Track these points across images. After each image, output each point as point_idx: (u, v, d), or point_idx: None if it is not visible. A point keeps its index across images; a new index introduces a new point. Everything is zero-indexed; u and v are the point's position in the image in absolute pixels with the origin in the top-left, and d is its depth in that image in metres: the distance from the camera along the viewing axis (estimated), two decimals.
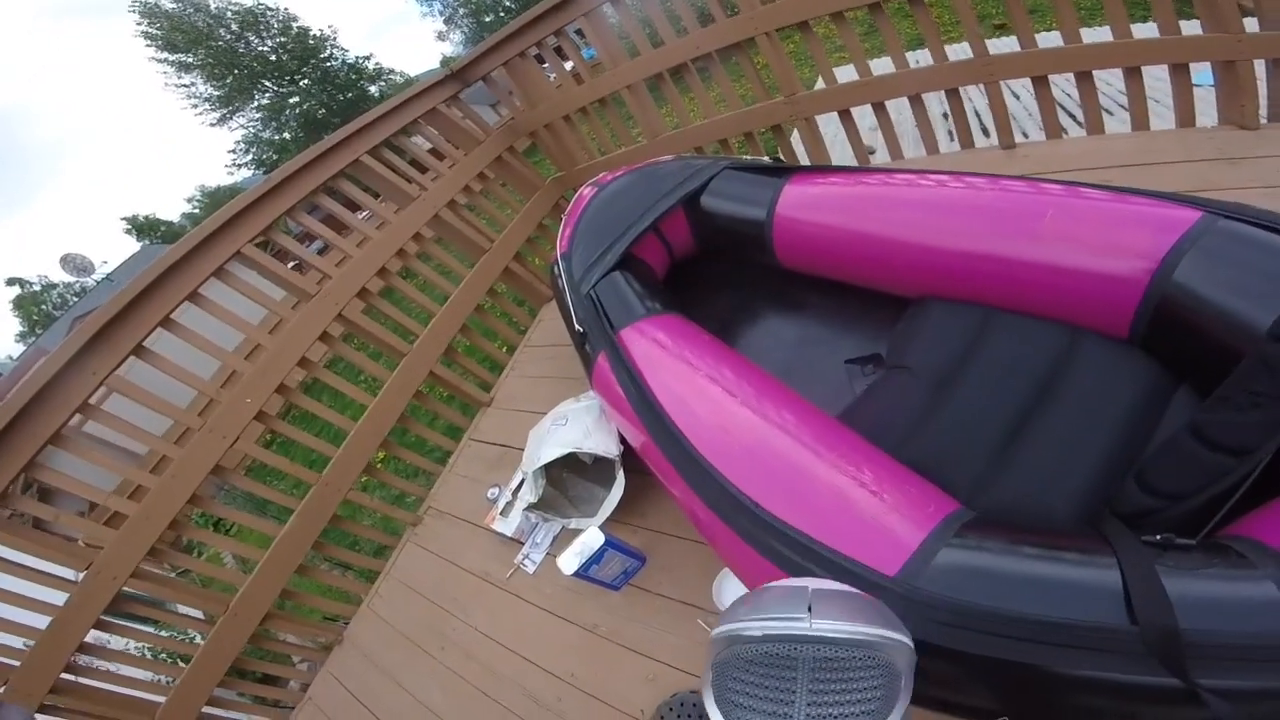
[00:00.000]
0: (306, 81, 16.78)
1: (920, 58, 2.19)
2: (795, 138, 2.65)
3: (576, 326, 1.49)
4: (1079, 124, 1.99)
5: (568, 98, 2.66)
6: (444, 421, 2.43)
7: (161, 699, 1.60)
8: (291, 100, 16.76)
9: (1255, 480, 0.82)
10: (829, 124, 2.30)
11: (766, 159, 1.79)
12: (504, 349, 2.67)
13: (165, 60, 15.91)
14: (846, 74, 2.21)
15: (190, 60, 16.06)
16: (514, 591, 1.72)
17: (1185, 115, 1.79)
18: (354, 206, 2.33)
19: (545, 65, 2.82)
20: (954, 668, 0.78)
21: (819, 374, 1.53)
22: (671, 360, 1.25)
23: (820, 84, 2.23)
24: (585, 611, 1.55)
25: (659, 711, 1.22)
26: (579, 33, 2.42)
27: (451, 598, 1.84)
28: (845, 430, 1.07)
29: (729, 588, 1.30)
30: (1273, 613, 0.64)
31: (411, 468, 2.28)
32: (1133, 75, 1.78)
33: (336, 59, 17.74)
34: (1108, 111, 3.25)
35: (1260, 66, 1.64)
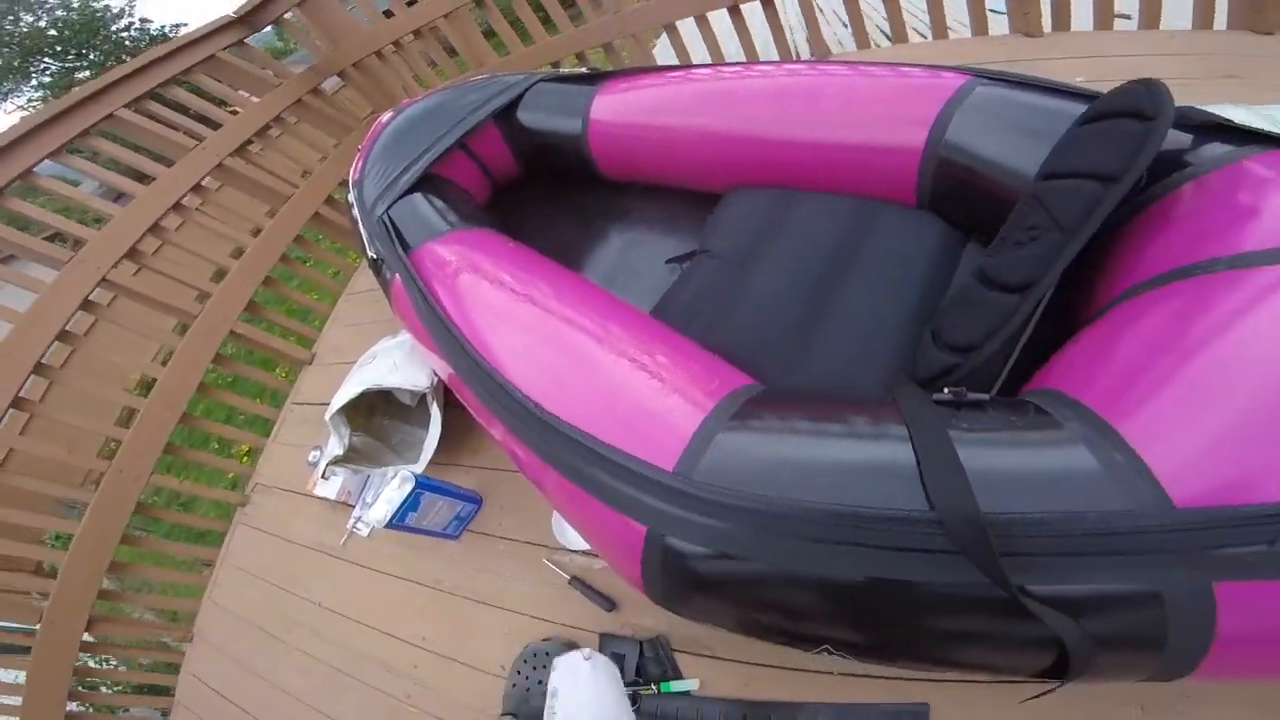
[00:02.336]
0: (96, 54, 14.28)
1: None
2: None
3: (370, 254, 1.33)
4: (888, 38, 2.08)
5: (377, 32, 2.40)
6: (268, 390, 2.17)
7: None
8: (80, 76, 14.22)
9: (1048, 335, 0.80)
10: (665, 53, 2.25)
11: (583, 69, 1.68)
12: (328, 302, 2.39)
13: None
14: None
15: None
16: (351, 559, 1.57)
17: (979, 25, 1.88)
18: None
19: (351, 7, 2.52)
20: (747, 581, 0.66)
21: (641, 276, 1.46)
22: (468, 275, 1.12)
23: None
24: (426, 568, 1.42)
25: (515, 666, 1.15)
26: None
27: (290, 576, 1.66)
28: (649, 322, 1.00)
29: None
30: (1087, 486, 0.54)
31: (230, 445, 2.04)
32: None
33: (136, 30, 15.15)
34: (914, 30, 3.43)
35: None
